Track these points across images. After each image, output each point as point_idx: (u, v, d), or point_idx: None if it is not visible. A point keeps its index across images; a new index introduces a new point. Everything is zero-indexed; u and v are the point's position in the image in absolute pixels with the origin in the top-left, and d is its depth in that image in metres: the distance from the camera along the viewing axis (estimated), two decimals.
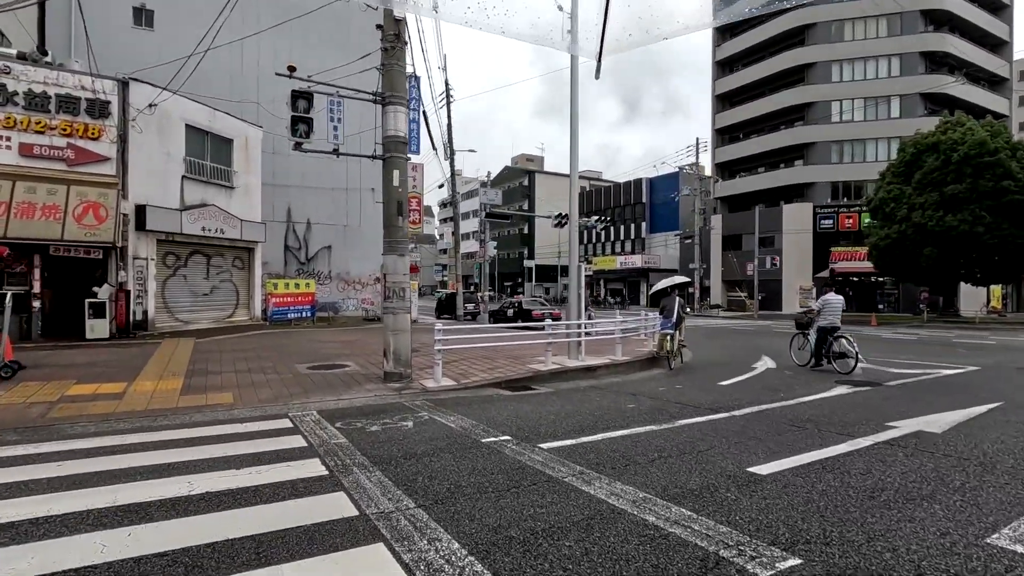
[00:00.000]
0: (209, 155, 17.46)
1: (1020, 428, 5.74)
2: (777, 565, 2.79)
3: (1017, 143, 26.53)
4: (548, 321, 10.70)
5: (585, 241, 63.94)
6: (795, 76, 42.10)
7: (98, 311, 13.70)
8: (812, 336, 10.80)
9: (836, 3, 39.07)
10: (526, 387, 8.76)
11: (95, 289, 14.00)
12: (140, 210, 15.03)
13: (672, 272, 53.31)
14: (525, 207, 68.38)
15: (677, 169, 46.30)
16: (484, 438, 5.41)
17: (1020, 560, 2.84)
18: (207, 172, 17.34)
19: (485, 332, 11.20)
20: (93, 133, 13.98)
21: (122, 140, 14.46)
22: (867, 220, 35.90)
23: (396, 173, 8.81)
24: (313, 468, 4.44)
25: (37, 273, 13.61)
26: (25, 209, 12.79)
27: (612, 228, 56.93)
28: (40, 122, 13.38)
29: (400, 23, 8.87)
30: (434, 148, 27.23)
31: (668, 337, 10.95)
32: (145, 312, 15.32)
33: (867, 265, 35.25)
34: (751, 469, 4.34)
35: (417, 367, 9.69)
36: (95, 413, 6.49)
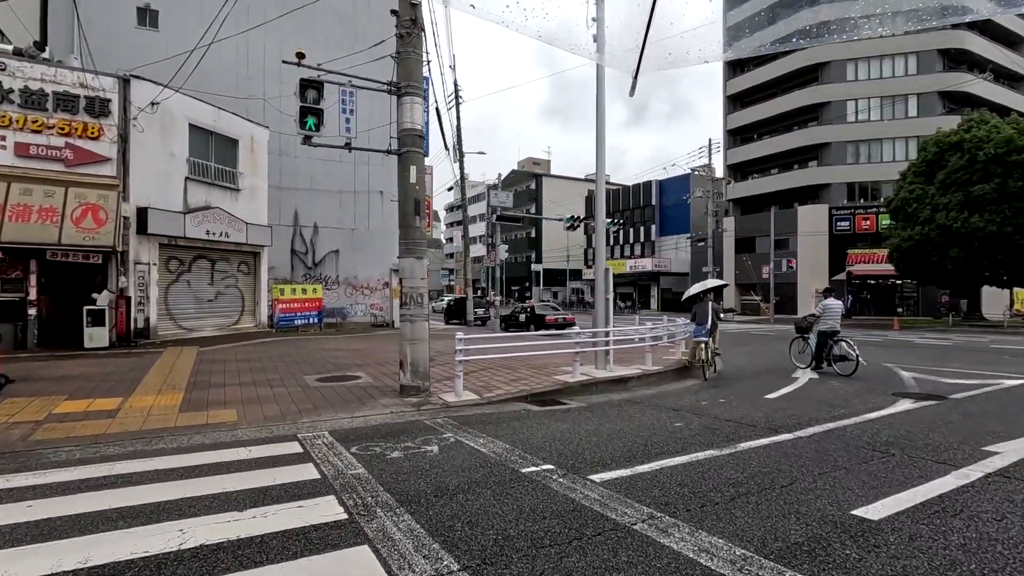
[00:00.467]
0: (214, 156, 16.87)
1: None
2: None
3: None
4: (576, 329, 9.98)
5: (593, 244, 63.24)
6: (809, 75, 41.30)
7: (97, 319, 13.07)
8: (812, 340, 11.11)
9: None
10: (555, 401, 8.04)
11: (94, 296, 13.38)
12: (142, 213, 14.43)
13: (683, 276, 52.47)
14: (532, 210, 67.68)
15: (690, 171, 45.45)
16: (524, 467, 4.70)
17: None
18: (211, 173, 16.74)
19: (508, 341, 10.47)
20: (92, 132, 13.39)
21: (123, 140, 13.87)
22: (886, 221, 35.03)
23: (413, 169, 8.14)
24: (329, 509, 3.74)
25: (33, 279, 12.99)
26: (21, 212, 12.19)
27: (621, 231, 56.10)
28: (37, 121, 12.81)
29: (416, 7, 8.21)
30: (447, 148, 26.60)
31: (702, 345, 10.21)
32: (147, 319, 14.69)
33: (886, 268, 34.35)
34: (857, 512, 3.61)
35: (434, 378, 8.99)
36: (83, 435, 5.82)
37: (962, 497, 3.89)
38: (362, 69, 9.77)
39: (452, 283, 79.23)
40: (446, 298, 45.09)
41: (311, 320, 20.37)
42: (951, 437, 5.59)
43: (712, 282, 11.71)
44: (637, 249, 55.30)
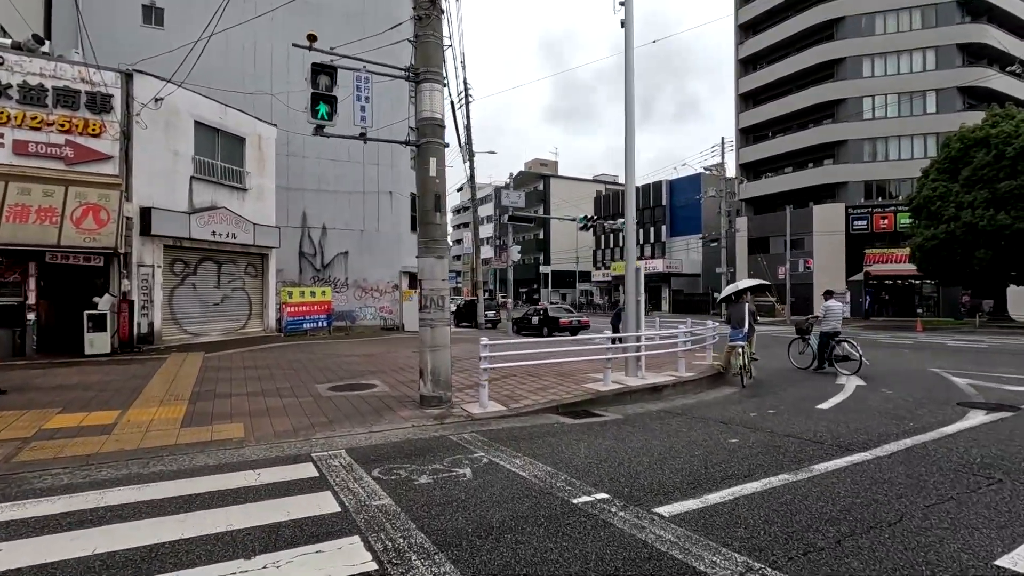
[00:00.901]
0: (220, 154, 16.33)
1: None
2: None
3: None
4: (607, 333, 9.33)
5: (603, 246, 62.50)
6: (824, 72, 40.45)
7: (98, 324, 12.52)
8: (814, 341, 11.38)
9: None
10: (588, 412, 7.40)
11: (96, 300, 12.83)
12: (145, 213, 13.89)
13: (695, 277, 51.73)
14: (540, 211, 67.03)
15: (702, 170, 44.66)
16: (575, 496, 4.06)
17: None
18: (218, 172, 16.21)
19: (532, 347, 9.84)
20: (94, 129, 12.87)
21: (125, 137, 13.34)
22: (905, 220, 34.17)
23: (433, 162, 7.52)
24: (355, 556, 3.11)
25: (32, 283, 12.46)
26: (19, 212, 11.67)
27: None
28: (36, 117, 12.29)
29: None
30: (460, 145, 26.00)
31: (739, 350, 9.52)
32: (151, 324, 14.15)
33: (906, 268, 33.45)
34: (1003, 563, 2.94)
35: (454, 387, 8.36)
36: (74, 455, 5.22)
37: None
38: (374, 59, 9.17)
39: (459, 285, 78.66)
40: (455, 300, 44.49)
41: (320, 324, 19.80)
42: None
43: (748, 282, 11.06)
44: (648, 250, 54.52)
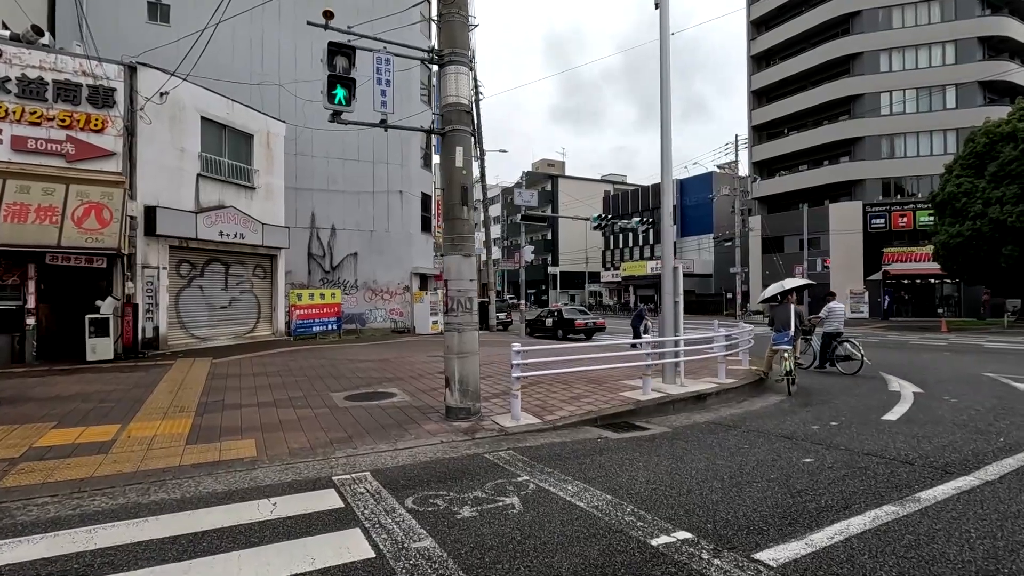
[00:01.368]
0: (227, 152, 15.76)
1: None
2: None
3: None
4: (647, 337, 8.67)
5: (612, 246, 61.73)
6: (839, 68, 39.62)
7: (101, 328, 11.94)
8: (815, 341, 11.45)
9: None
10: (630, 424, 6.74)
11: (98, 303, 12.26)
12: (150, 212, 13.32)
13: (707, 277, 50.90)
14: (548, 211, 66.38)
15: (716, 168, 43.96)
16: (652, 536, 3.40)
17: None
18: (225, 170, 15.63)
19: (562, 353, 9.17)
20: (96, 125, 12.31)
21: (129, 133, 12.78)
22: (924, 218, 33.33)
23: (459, 151, 6.89)
24: None
25: (32, 285, 11.90)
26: (17, 211, 11.11)
27: (641, 232, 54.60)
28: (35, 112, 11.74)
29: None
30: (475, 141, 25.35)
31: (784, 354, 8.83)
32: (156, 328, 13.57)
33: (926, 266, 32.61)
34: None
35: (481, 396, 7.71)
36: (65, 479, 4.61)
37: None
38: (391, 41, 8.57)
39: None
40: None
41: (330, 327, 19.21)
42: None
43: (792, 282, 10.34)
44: (658, 250, 53.75)
